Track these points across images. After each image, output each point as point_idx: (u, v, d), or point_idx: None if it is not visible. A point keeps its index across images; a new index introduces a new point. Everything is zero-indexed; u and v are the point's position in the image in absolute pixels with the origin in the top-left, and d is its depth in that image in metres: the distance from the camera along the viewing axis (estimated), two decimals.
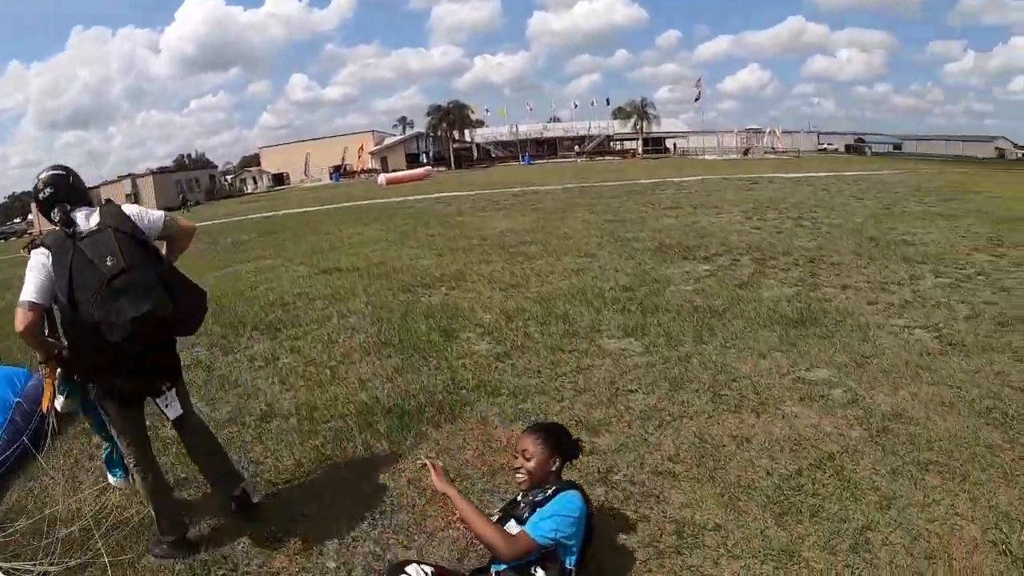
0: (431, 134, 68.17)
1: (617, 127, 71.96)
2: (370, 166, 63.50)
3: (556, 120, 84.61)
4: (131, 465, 3.03)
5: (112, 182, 59.52)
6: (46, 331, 2.76)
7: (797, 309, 6.40)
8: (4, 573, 2.95)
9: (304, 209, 22.86)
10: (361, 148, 66.61)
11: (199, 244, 14.08)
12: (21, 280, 2.62)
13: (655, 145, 71.30)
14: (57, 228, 2.68)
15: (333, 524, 3.20)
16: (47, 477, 3.92)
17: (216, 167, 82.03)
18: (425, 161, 60.26)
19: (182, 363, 3.18)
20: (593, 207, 16.90)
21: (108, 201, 3.02)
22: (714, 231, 11.82)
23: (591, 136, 73.83)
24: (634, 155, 66.11)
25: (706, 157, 57.44)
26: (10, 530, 3.28)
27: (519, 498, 2.39)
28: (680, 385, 4.68)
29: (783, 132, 69.06)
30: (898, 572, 2.64)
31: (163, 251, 3.04)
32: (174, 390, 3.02)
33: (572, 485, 2.38)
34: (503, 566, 2.15)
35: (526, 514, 2.21)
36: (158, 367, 2.93)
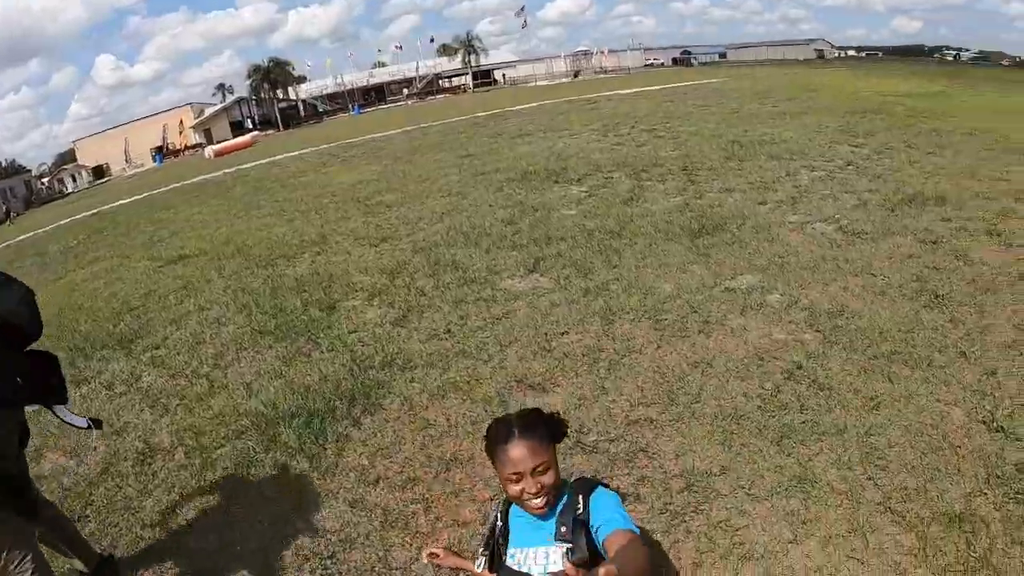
0: (254, 97, 66.00)
1: (445, 64, 72.37)
2: (194, 141, 61.40)
3: (382, 65, 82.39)
4: None
5: None
6: None
7: (693, 218, 6.42)
8: None
9: (133, 198, 20.07)
10: (181, 123, 62.84)
11: (28, 259, 12.90)
12: None
13: (484, 78, 72.27)
14: None
15: None
16: None
17: (30, 171, 71.15)
18: (251, 126, 59.45)
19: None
20: (440, 146, 16.25)
21: None
22: (574, 152, 11.77)
23: (420, 76, 73.15)
24: (465, 90, 66.72)
25: (538, 84, 58.63)
26: None
27: (546, 520, 1.72)
28: (612, 317, 4.39)
29: (610, 52, 72.42)
30: (915, 472, 2.57)
31: None
32: None
33: (587, 482, 1.80)
34: None
35: (571, 534, 1.65)
36: None
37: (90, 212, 19.75)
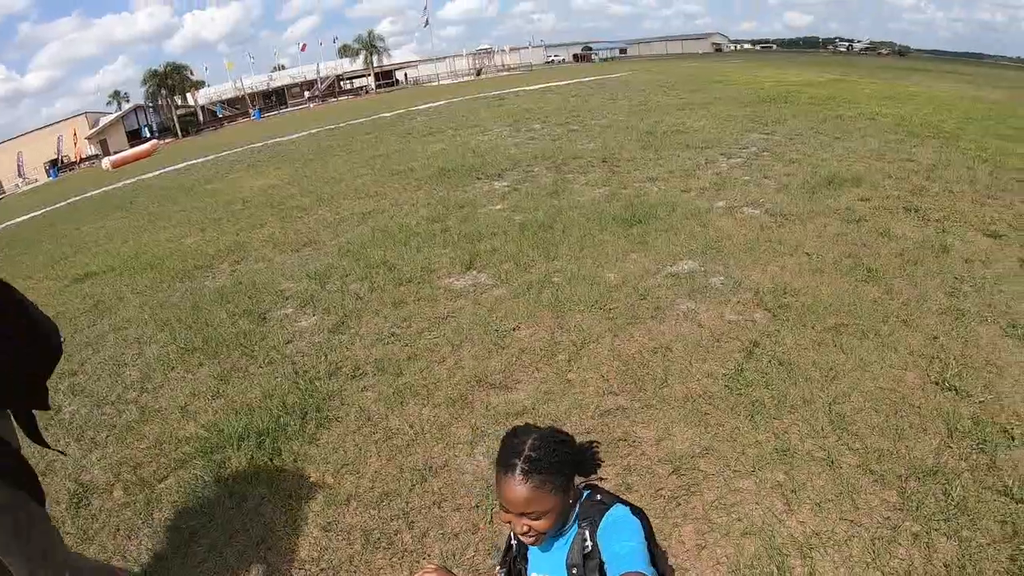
0: (151, 104, 64.63)
1: (347, 65, 71.66)
2: (90, 152, 58.11)
3: (282, 68, 79.88)
4: None
5: None
6: None
7: (622, 208, 6.60)
8: None
9: (31, 214, 17.98)
10: (75, 134, 58.40)
11: None
12: None
13: (386, 79, 72.18)
14: None
15: None
16: None
17: None
18: (149, 135, 57.09)
19: None
20: (349, 147, 15.79)
21: None
22: (489, 148, 11.84)
23: (321, 79, 71.77)
24: (368, 92, 66.19)
25: (441, 83, 58.88)
26: None
27: (555, 549, 1.55)
28: (561, 309, 4.42)
29: (512, 49, 73.73)
30: (884, 434, 2.76)
31: None
32: None
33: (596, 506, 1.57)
34: None
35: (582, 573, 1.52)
36: None
37: None
